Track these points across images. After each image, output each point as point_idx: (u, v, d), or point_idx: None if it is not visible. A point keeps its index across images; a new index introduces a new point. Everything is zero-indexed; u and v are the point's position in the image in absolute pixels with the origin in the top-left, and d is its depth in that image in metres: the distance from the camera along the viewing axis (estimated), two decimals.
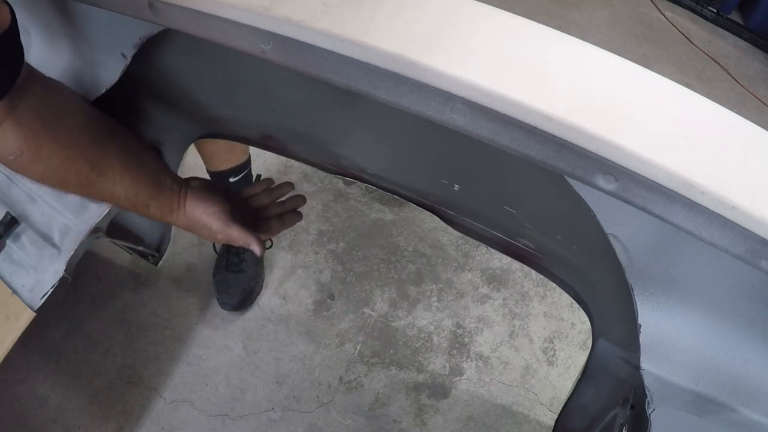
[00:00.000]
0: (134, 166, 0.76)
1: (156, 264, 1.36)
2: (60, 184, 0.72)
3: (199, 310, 1.62)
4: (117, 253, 1.64)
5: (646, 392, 0.64)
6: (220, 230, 0.82)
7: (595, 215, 0.60)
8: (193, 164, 1.69)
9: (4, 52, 0.58)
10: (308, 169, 1.88)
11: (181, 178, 0.85)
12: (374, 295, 1.67)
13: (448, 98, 0.48)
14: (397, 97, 0.50)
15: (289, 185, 0.98)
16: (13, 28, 0.58)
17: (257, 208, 0.94)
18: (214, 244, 1.65)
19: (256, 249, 0.83)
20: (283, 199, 0.98)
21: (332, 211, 1.80)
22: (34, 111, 0.64)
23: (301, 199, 0.96)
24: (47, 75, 0.85)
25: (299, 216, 0.95)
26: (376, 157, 0.90)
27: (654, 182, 0.46)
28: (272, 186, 0.97)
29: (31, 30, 0.83)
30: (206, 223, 0.82)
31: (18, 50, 0.60)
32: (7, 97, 0.60)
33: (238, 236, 0.82)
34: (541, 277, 1.21)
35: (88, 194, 0.75)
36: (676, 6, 2.58)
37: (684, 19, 2.55)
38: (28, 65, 0.64)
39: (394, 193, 0.94)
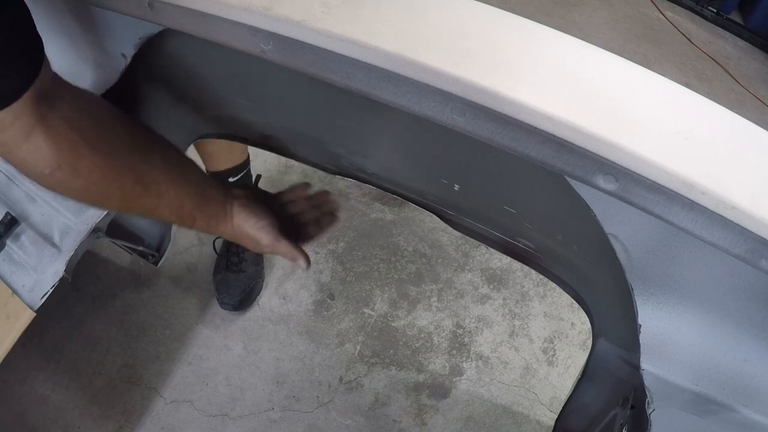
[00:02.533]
0: (178, 178, 0.72)
1: (156, 264, 1.36)
2: (102, 200, 0.67)
3: (199, 310, 1.62)
4: (117, 253, 1.64)
5: (646, 392, 0.64)
6: (269, 244, 0.81)
7: (595, 215, 0.60)
8: None
9: (21, 33, 0.54)
10: (308, 169, 1.87)
11: (224, 187, 0.81)
12: (374, 295, 1.67)
13: (448, 98, 0.49)
14: (397, 97, 0.50)
15: (326, 193, 0.96)
16: (25, 8, 0.54)
17: (294, 213, 0.92)
18: (214, 244, 1.65)
19: (303, 264, 0.82)
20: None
21: None
22: (67, 120, 0.59)
23: (336, 202, 0.95)
24: None
25: (335, 218, 0.94)
26: (375, 157, 0.90)
27: (654, 182, 0.46)
28: (309, 192, 0.94)
29: None
30: (255, 237, 0.80)
31: (35, 35, 0.56)
32: (34, 102, 0.56)
33: (287, 251, 0.81)
34: (541, 277, 1.21)
35: (129, 209, 0.71)
36: (676, 6, 2.58)
37: (684, 19, 2.55)
38: (53, 72, 0.60)
39: (394, 193, 0.94)
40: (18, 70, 0.54)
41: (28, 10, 0.55)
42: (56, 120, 0.58)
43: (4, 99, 0.54)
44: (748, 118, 0.48)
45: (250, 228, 0.79)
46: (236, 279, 1.58)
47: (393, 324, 1.63)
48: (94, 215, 0.94)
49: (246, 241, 0.81)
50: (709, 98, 0.48)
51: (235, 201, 0.79)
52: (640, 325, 0.64)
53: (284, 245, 0.81)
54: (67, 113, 0.60)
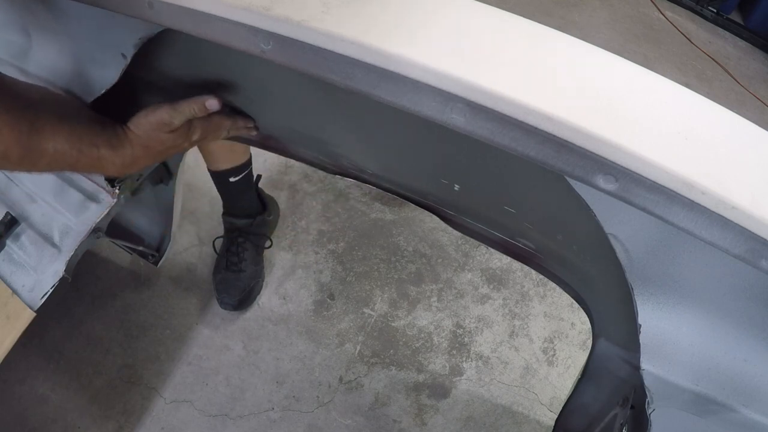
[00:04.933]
0: (70, 115, 0.75)
1: (156, 264, 1.36)
2: (2, 158, 0.69)
3: (199, 310, 1.62)
4: (117, 253, 1.64)
5: (646, 392, 0.64)
6: (170, 115, 0.80)
7: (595, 215, 0.60)
8: (193, 164, 1.69)
9: None
10: (308, 169, 1.88)
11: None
12: (374, 295, 1.67)
13: (448, 98, 0.48)
14: (398, 97, 0.50)
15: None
16: None
17: None
18: (213, 244, 1.65)
19: (213, 103, 0.82)
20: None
21: (332, 211, 1.80)
22: None
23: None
24: (47, 75, 0.85)
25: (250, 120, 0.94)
26: (376, 157, 0.90)
27: (654, 182, 0.45)
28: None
29: (31, 31, 0.83)
30: (156, 120, 0.80)
31: None
32: None
33: (188, 105, 0.81)
34: (541, 277, 1.21)
35: (33, 161, 0.72)
36: (676, 6, 2.58)
37: (684, 19, 2.55)
38: None
39: (394, 193, 0.94)
40: None
41: None
42: None
43: None
44: (748, 118, 0.48)
45: (145, 117, 0.79)
46: (236, 279, 1.58)
47: (393, 324, 1.63)
48: (94, 215, 0.94)
49: (154, 137, 0.81)
50: (709, 98, 0.48)
51: (127, 120, 0.81)
52: (640, 325, 0.64)
53: (183, 103, 0.80)
54: None
